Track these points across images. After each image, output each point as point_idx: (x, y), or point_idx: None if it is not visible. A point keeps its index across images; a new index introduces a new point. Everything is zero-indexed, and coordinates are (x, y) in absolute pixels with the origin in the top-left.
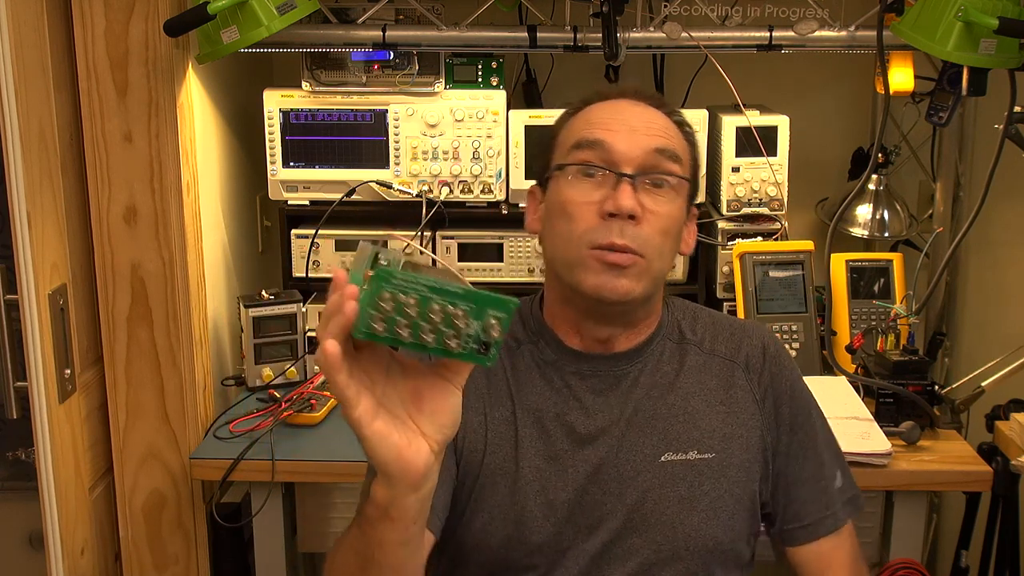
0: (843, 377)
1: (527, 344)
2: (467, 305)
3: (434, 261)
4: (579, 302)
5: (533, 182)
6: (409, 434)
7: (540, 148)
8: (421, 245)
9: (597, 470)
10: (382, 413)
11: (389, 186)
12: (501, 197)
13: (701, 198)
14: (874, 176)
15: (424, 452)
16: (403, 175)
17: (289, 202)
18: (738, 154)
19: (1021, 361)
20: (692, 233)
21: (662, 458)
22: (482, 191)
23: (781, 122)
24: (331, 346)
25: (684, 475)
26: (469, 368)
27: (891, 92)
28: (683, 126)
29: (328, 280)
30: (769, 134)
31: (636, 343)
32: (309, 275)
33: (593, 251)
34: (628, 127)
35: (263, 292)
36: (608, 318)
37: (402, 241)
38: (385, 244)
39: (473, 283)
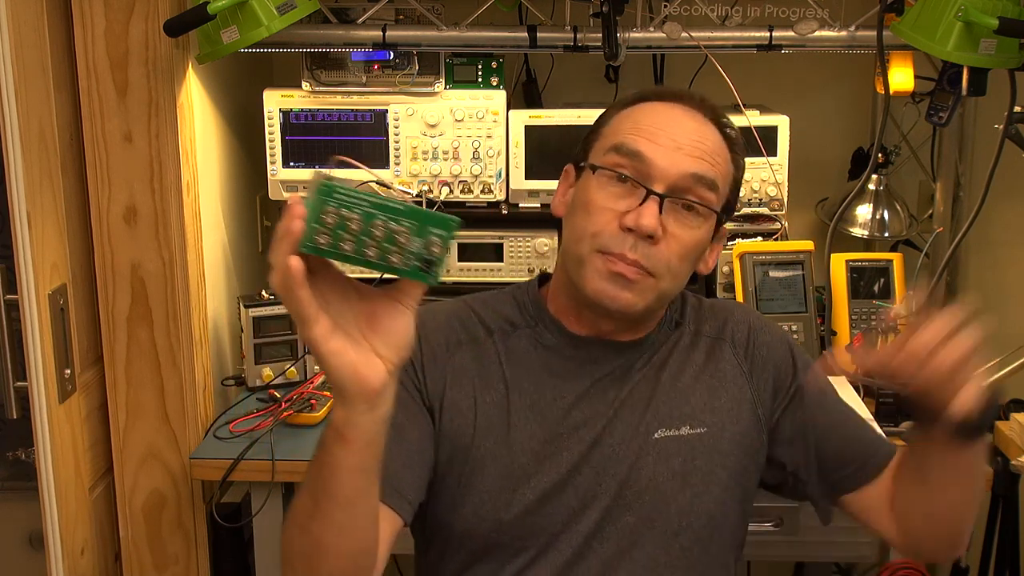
0: (843, 377)
1: (524, 328)
2: (409, 222)
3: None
4: (582, 299)
5: (535, 181)
6: (365, 353)
7: (587, 130)
8: None
9: (591, 451)
10: (338, 333)
11: (389, 186)
12: (501, 197)
13: None
14: (874, 176)
15: (380, 370)
16: (403, 175)
17: None
18: None
19: (1021, 361)
20: (715, 253)
21: (655, 435)
22: (482, 191)
23: (781, 122)
24: (295, 261)
25: (677, 450)
26: (420, 290)
27: (891, 92)
28: (732, 142)
29: None
30: (769, 134)
31: (638, 337)
32: None
33: (600, 254)
34: (674, 143)
35: (263, 292)
36: (610, 318)
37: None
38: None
39: (473, 284)
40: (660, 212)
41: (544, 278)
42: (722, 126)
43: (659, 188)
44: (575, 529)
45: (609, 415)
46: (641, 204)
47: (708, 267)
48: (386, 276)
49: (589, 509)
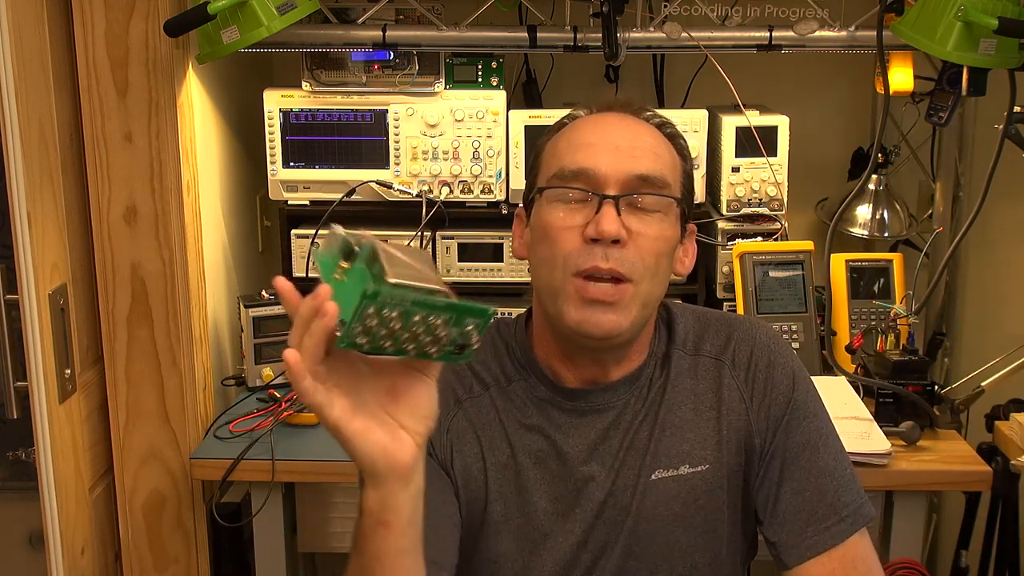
0: (843, 377)
1: (518, 381)
2: (448, 315)
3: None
4: (566, 335)
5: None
6: (391, 429)
7: (526, 168)
8: (421, 245)
9: (603, 506)
10: (360, 412)
11: (389, 186)
12: (501, 197)
13: (701, 197)
14: (874, 176)
15: (409, 445)
16: (403, 175)
17: (289, 202)
18: (738, 154)
19: (1021, 361)
20: (689, 253)
21: (653, 477)
22: (482, 191)
23: (781, 122)
24: (290, 355)
25: (677, 492)
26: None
27: (891, 92)
28: (675, 139)
29: None
30: (769, 134)
31: (631, 370)
32: (309, 275)
33: (576, 280)
34: (612, 146)
35: (263, 292)
36: (597, 350)
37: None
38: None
39: (473, 283)
40: (619, 215)
41: (531, 315)
42: (659, 125)
43: (610, 191)
44: None
45: (616, 465)
46: (597, 212)
47: (685, 267)
48: None
49: (600, 559)
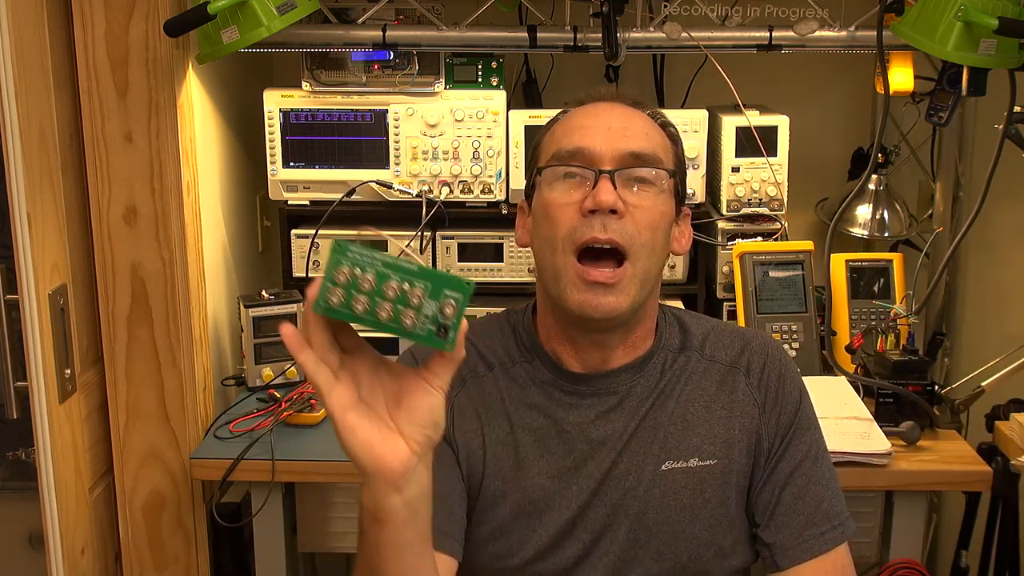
0: (843, 377)
1: (522, 363)
2: (424, 283)
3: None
4: (568, 318)
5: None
6: (384, 431)
7: (526, 163)
8: (422, 245)
9: (600, 484)
10: (360, 407)
11: (389, 186)
12: (501, 197)
13: (701, 197)
14: (874, 176)
15: (401, 451)
16: (403, 175)
17: (289, 202)
18: (738, 154)
19: (1021, 361)
20: (685, 233)
21: (663, 467)
22: (482, 191)
23: (781, 122)
24: (286, 328)
25: (686, 484)
26: (448, 370)
27: (891, 92)
28: (666, 127)
29: None
30: (769, 134)
31: (635, 357)
32: (309, 275)
33: (576, 264)
34: (605, 127)
35: (263, 292)
36: (600, 331)
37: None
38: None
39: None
40: (615, 188)
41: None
42: (649, 114)
43: (606, 166)
44: (588, 562)
45: (619, 447)
46: (594, 187)
47: (682, 246)
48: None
49: (601, 543)
